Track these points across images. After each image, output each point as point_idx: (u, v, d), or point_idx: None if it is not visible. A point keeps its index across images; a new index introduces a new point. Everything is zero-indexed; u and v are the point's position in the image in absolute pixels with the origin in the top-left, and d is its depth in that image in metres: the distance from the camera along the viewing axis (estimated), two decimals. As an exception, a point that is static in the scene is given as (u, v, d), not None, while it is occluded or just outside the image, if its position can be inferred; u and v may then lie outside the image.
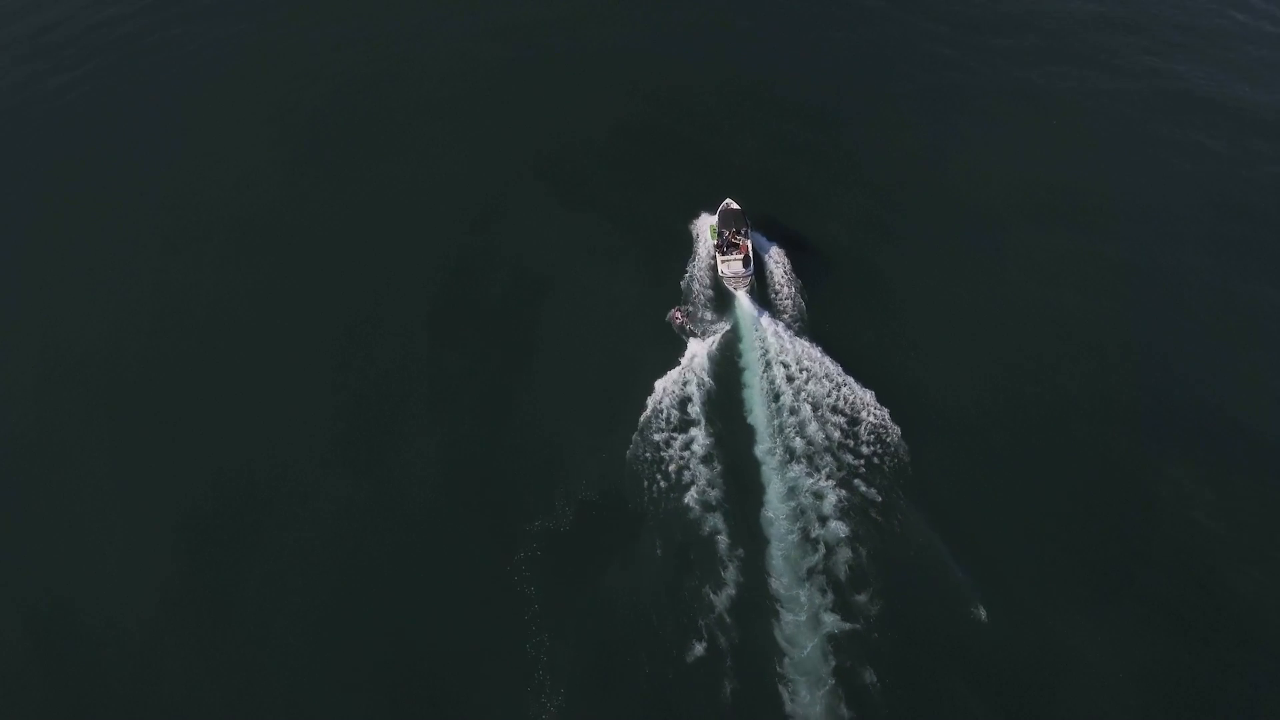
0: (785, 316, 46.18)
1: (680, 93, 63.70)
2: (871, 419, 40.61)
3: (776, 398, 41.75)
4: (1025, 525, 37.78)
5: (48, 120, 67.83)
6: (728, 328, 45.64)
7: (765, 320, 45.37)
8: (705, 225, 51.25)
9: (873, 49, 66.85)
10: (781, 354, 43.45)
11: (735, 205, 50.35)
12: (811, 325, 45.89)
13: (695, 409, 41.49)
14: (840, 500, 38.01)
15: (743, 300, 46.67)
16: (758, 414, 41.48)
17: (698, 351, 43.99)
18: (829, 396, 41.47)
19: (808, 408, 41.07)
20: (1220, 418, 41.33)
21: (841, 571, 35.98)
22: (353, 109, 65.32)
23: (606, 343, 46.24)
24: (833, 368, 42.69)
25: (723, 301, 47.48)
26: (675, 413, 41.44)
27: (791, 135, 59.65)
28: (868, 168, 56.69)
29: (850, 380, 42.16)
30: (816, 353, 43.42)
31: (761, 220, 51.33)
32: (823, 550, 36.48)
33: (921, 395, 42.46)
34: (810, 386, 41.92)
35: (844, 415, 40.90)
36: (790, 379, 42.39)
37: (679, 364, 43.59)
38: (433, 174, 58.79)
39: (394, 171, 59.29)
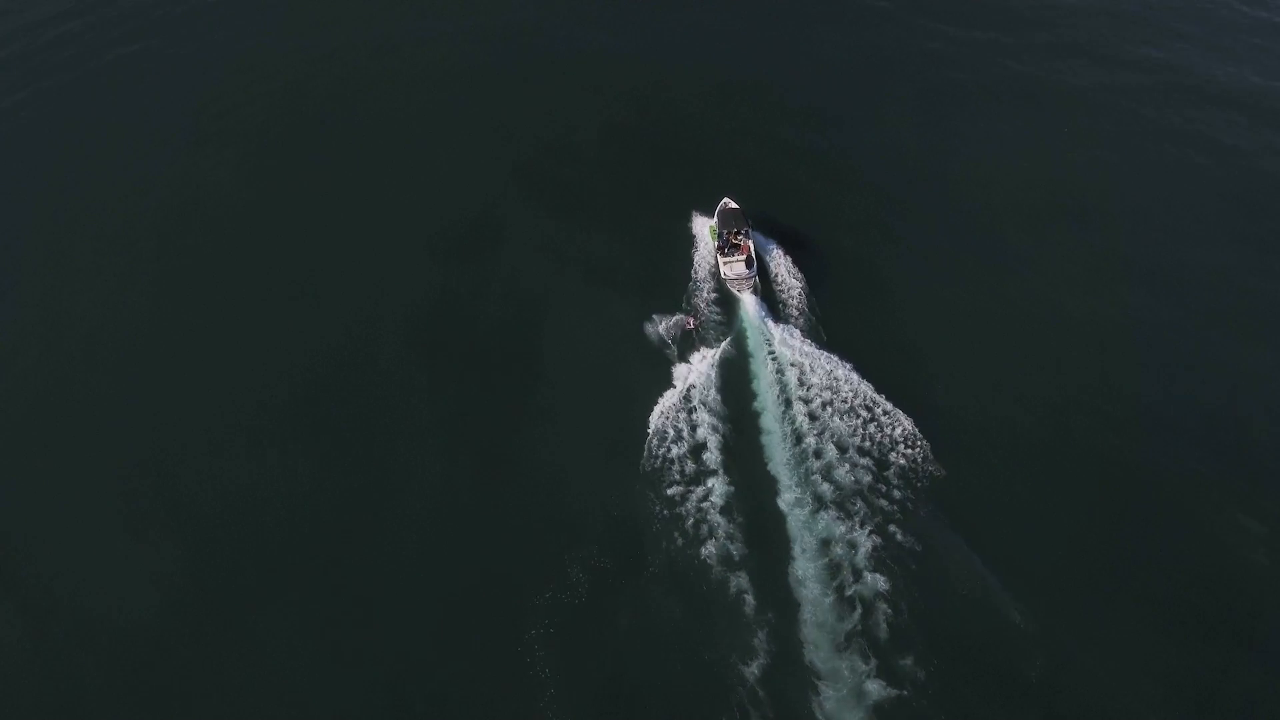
0: (793, 320, 44.02)
1: (677, 95, 61.55)
2: (902, 460, 37.64)
3: (799, 440, 38.67)
4: (1085, 563, 34.76)
5: (35, 129, 66.07)
6: (733, 335, 43.41)
7: (774, 326, 43.10)
8: (704, 228, 49.27)
9: (874, 49, 64.60)
10: (795, 368, 40.87)
11: (734, 205, 48.26)
12: (820, 329, 43.71)
13: (712, 456, 38.44)
14: (875, 548, 35.00)
15: (748, 303, 44.42)
16: (777, 455, 38.40)
17: (699, 382, 41.01)
18: (855, 435, 38.43)
19: (833, 448, 38.02)
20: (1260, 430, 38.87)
21: (882, 631, 32.91)
22: (344, 116, 63.06)
23: (608, 372, 43.34)
24: (859, 383, 40.04)
25: (726, 306, 45.29)
26: (690, 463, 38.41)
27: (792, 137, 57.53)
28: (870, 168, 54.52)
29: (881, 400, 39.41)
30: (842, 370, 40.67)
31: (762, 221, 49.25)
32: (860, 610, 33.40)
33: (954, 416, 39.67)
34: (835, 423, 38.85)
35: (872, 457, 37.82)
36: (807, 400, 39.62)
37: (685, 390, 40.90)
38: (429, 178, 56.76)
39: (387, 177, 57.31)
